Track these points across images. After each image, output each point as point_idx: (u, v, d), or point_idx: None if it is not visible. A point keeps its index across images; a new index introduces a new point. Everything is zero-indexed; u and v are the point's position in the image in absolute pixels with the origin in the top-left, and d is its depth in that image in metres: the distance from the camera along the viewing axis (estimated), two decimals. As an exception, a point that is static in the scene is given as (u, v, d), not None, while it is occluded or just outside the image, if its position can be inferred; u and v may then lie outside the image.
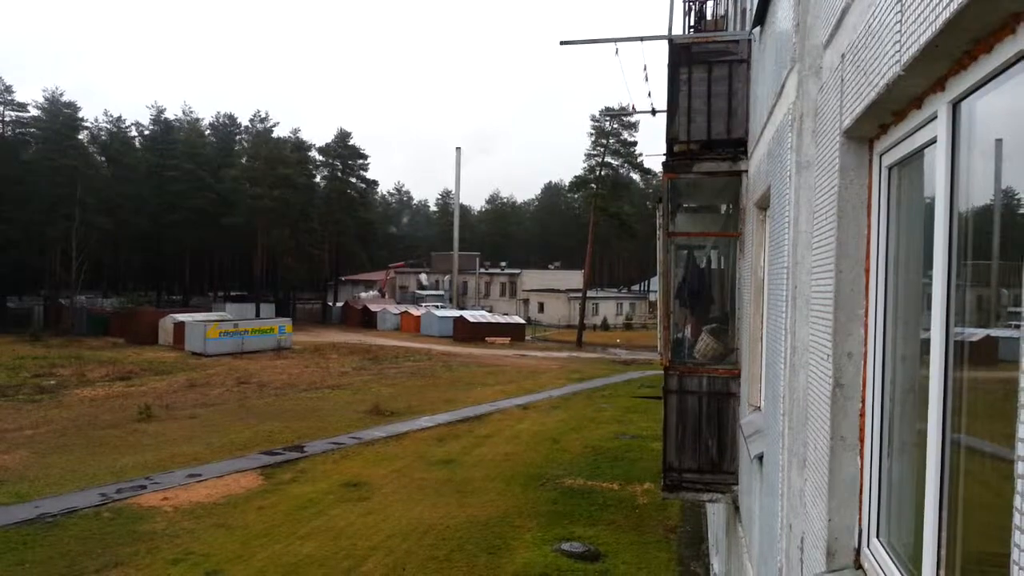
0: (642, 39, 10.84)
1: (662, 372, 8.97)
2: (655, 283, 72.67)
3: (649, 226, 58.85)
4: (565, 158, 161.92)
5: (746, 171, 8.08)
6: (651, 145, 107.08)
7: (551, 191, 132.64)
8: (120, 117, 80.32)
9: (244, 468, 20.36)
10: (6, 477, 18.97)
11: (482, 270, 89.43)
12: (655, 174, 68.88)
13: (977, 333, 2.09)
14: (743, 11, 9.32)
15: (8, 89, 65.43)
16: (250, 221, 70.73)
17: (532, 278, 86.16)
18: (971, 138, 2.07)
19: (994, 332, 2.05)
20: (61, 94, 65.95)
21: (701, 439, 8.59)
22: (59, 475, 19.22)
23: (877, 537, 2.88)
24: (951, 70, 2.08)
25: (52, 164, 61.14)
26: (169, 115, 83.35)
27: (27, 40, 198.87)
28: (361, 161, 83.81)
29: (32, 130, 66.59)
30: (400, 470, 20.49)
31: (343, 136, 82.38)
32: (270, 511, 16.95)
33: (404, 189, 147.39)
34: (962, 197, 2.12)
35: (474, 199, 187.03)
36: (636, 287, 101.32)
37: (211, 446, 22.72)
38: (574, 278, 79.77)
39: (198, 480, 19.12)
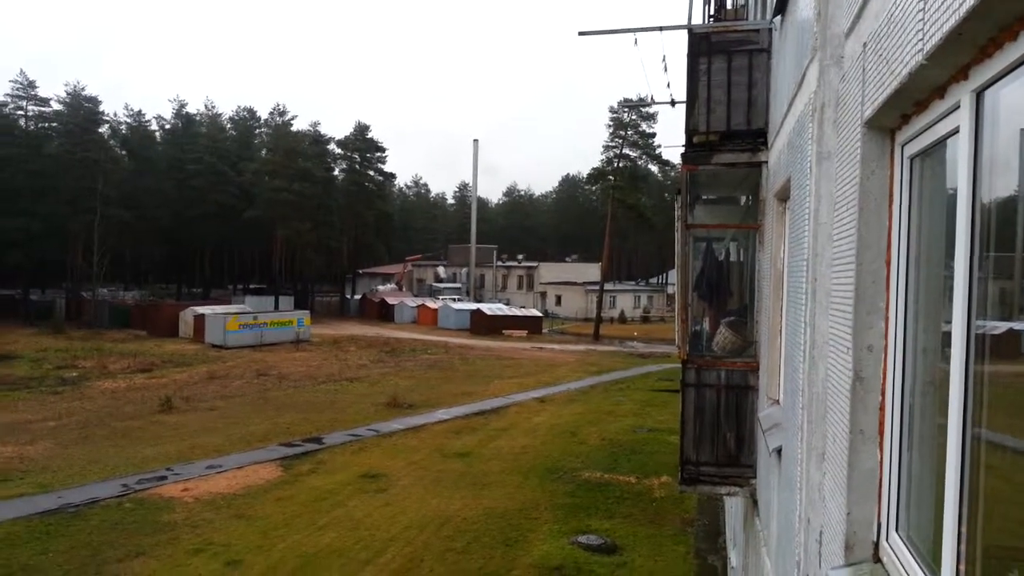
0: (661, 29, 10.77)
1: (680, 365, 8.93)
2: (673, 276, 72.35)
3: (667, 218, 58.69)
4: (583, 150, 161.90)
5: (766, 162, 8.01)
6: (670, 136, 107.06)
7: (569, 183, 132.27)
8: (140, 111, 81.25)
9: (263, 459, 20.53)
10: (30, 468, 19.25)
11: (499, 263, 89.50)
12: (674, 166, 68.63)
13: (999, 326, 2.06)
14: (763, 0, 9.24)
15: (31, 84, 66.15)
16: (269, 214, 71.14)
17: (549, 271, 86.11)
18: (995, 128, 2.04)
19: (1017, 325, 2.02)
20: (83, 89, 66.63)
21: (719, 432, 8.55)
22: (81, 466, 19.47)
23: (896, 531, 2.85)
24: (975, 59, 2.05)
25: (73, 158, 61.84)
26: (191, 109, 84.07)
27: (53, 41, 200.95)
28: (379, 154, 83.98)
29: (54, 124, 67.30)
30: (418, 462, 20.58)
31: (361, 129, 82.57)
32: (289, 502, 17.08)
33: (422, 182, 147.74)
34: (985, 188, 2.08)
35: (491, 192, 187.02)
36: (654, 280, 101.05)
37: (231, 437, 22.93)
38: (591, 271, 79.65)
39: (218, 471, 19.30)
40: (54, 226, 60.21)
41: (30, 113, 67.06)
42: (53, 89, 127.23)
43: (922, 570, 2.50)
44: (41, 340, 48.61)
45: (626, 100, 63.66)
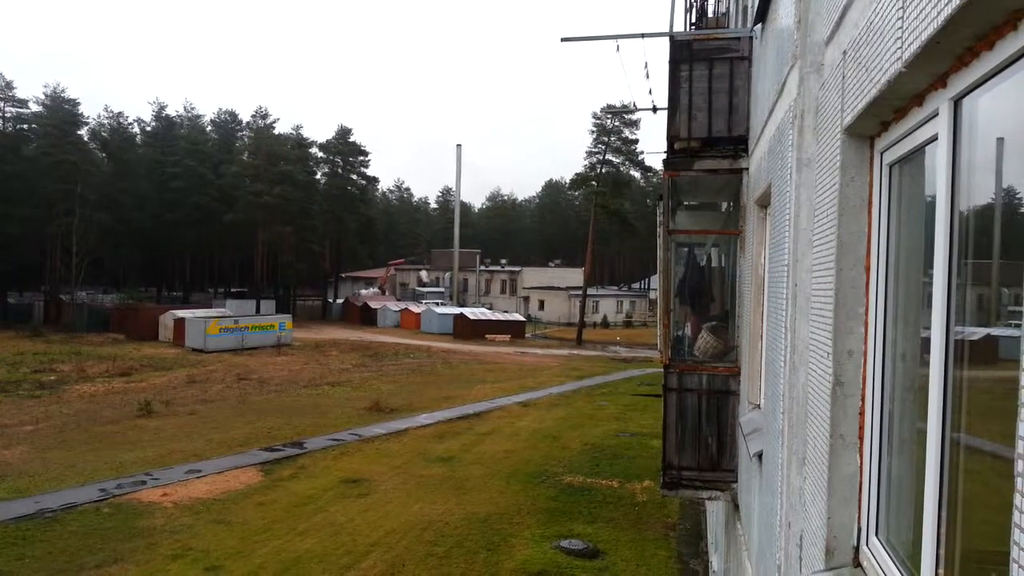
0: (643, 36, 10.82)
1: (662, 370, 8.96)
2: (655, 281, 72.43)
3: (650, 224, 58.84)
4: (566, 156, 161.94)
5: (747, 169, 8.06)
6: (652, 143, 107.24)
7: (552, 189, 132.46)
8: (121, 113, 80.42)
9: (244, 464, 20.37)
10: (6, 472, 18.98)
11: (483, 267, 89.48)
12: (656, 172, 68.93)
13: (977, 332, 2.08)
14: (744, 8, 9.30)
15: (9, 85, 65.40)
16: (251, 218, 70.70)
17: (532, 276, 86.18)
18: (972, 136, 2.06)
19: (994, 331, 2.04)
20: (62, 91, 65.94)
21: (701, 437, 8.58)
22: (59, 471, 19.23)
23: (876, 535, 2.87)
24: (953, 67, 2.07)
25: (52, 160, 61.24)
26: (171, 111, 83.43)
27: (34, 46, 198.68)
28: (362, 158, 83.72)
29: (33, 126, 66.61)
30: (400, 467, 20.50)
31: (344, 133, 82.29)
32: (270, 507, 16.96)
33: (405, 186, 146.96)
34: (963, 195, 2.11)
35: (475, 196, 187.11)
36: (636, 285, 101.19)
37: (211, 442, 22.73)
38: (574, 276, 79.78)
39: (198, 476, 19.12)
40: (33, 228, 59.58)
41: (7, 114, 66.35)
42: (33, 92, 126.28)
43: (901, 574, 2.52)
44: (19, 343, 48.02)
45: (609, 106, 63.90)
